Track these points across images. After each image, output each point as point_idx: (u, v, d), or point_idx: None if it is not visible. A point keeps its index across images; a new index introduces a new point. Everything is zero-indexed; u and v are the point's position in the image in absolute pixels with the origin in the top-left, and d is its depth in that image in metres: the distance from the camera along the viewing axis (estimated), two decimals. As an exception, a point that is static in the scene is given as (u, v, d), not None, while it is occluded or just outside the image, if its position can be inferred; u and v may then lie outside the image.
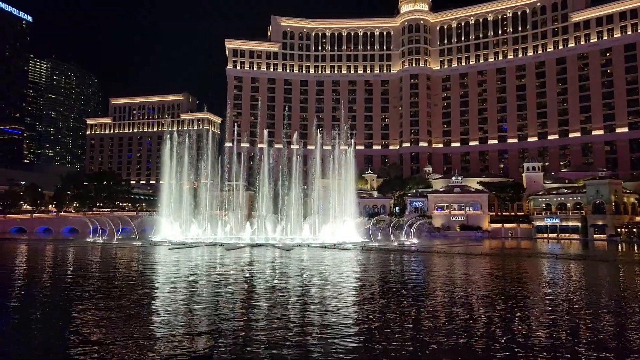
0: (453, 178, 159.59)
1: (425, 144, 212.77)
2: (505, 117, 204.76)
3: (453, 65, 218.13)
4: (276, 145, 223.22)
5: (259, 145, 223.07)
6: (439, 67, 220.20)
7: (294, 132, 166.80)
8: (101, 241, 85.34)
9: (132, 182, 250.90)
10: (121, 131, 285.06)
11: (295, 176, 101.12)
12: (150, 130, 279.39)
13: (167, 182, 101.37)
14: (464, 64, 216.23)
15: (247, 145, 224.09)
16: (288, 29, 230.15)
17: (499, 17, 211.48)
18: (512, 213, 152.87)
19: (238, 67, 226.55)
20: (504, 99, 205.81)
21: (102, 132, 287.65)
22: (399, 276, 41.28)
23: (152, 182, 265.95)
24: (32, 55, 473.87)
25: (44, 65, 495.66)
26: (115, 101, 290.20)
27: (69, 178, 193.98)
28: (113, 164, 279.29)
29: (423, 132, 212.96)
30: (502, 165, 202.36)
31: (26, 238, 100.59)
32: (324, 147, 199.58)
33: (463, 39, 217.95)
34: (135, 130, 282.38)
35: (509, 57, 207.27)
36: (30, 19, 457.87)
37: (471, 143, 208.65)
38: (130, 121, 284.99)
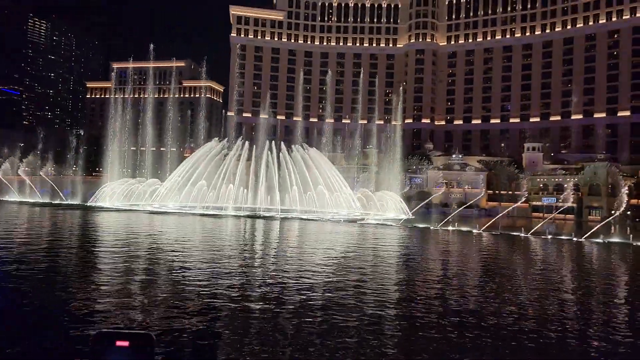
0: (453, 156, 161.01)
1: (428, 121, 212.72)
2: (509, 96, 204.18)
3: (460, 42, 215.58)
4: (278, 117, 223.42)
5: (261, 116, 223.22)
6: (445, 43, 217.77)
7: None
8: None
9: (132, 148, 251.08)
10: (122, 96, 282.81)
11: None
12: (150, 96, 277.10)
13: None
14: (470, 40, 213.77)
15: (249, 115, 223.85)
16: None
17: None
18: (510, 192, 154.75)
19: (242, 35, 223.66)
20: (509, 77, 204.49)
21: (103, 96, 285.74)
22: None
23: (152, 149, 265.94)
24: (31, 14, 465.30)
25: (44, 25, 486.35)
26: (116, 65, 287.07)
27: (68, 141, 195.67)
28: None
29: (426, 109, 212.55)
30: (503, 145, 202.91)
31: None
32: (327, 121, 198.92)
33: (471, 14, 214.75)
34: (136, 96, 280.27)
35: (516, 35, 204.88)
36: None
37: (474, 122, 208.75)
38: (132, 86, 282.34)
